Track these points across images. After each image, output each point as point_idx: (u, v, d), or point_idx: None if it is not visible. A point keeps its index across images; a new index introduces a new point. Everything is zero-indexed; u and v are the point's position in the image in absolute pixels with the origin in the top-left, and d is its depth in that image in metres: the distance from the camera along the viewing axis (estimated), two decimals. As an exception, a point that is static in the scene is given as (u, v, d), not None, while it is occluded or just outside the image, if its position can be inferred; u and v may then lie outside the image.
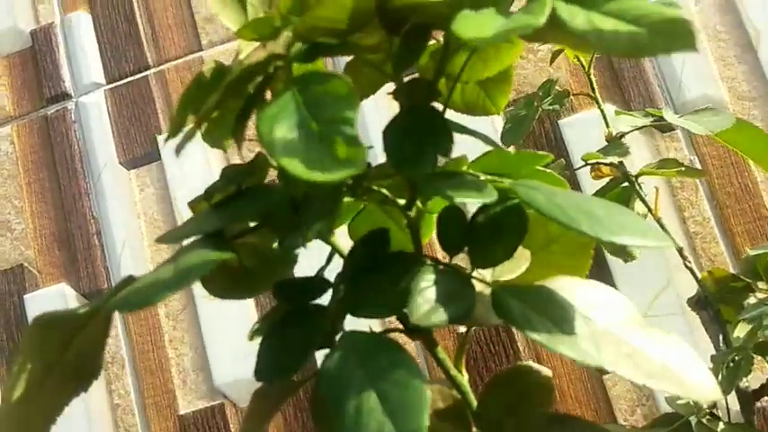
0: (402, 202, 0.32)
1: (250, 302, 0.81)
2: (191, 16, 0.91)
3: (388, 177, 0.32)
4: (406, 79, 0.32)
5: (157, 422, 0.81)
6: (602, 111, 0.58)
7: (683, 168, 0.52)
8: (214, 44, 0.89)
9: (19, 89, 0.94)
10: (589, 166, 0.58)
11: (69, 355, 0.29)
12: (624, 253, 0.57)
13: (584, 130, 0.77)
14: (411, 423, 0.24)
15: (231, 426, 0.80)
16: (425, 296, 0.28)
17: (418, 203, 0.33)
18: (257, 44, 0.35)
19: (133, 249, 0.85)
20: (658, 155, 0.77)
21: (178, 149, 0.31)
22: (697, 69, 0.75)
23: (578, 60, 0.58)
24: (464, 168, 0.34)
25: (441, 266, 0.31)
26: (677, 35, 0.23)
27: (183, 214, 0.85)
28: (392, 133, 0.29)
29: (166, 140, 0.31)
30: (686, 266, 0.51)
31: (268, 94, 0.31)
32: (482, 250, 0.31)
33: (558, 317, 0.28)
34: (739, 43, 0.75)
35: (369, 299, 0.30)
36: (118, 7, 0.93)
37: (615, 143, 0.51)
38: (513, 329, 0.77)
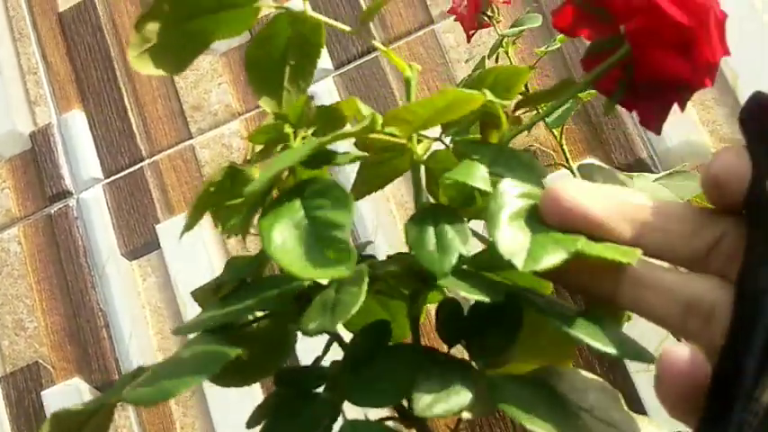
0: (405, 292, 0.33)
1: (256, 386, 0.82)
2: (179, 106, 0.93)
3: (395, 270, 0.33)
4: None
5: None
6: (573, 172, 0.58)
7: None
8: (203, 131, 0.91)
9: (23, 190, 0.97)
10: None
11: None
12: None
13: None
14: None
15: None
16: (427, 388, 0.29)
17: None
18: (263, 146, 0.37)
19: (140, 339, 0.87)
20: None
21: (184, 232, 0.33)
22: (677, 116, 0.75)
23: (551, 132, 0.58)
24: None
25: (440, 358, 0.32)
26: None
27: (185, 300, 0.86)
28: (414, 229, 0.30)
29: (182, 233, 0.33)
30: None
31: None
32: (480, 342, 0.32)
33: (560, 410, 0.28)
34: (717, 86, 0.74)
35: (370, 389, 0.31)
36: (110, 104, 0.96)
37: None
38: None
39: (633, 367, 0.70)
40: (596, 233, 0.26)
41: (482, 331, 0.32)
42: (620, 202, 0.27)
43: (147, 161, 0.93)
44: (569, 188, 0.27)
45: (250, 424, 0.33)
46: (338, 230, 0.26)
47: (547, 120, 0.57)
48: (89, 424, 0.30)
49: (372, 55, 0.87)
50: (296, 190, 0.29)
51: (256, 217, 0.33)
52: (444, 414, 0.29)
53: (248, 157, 0.39)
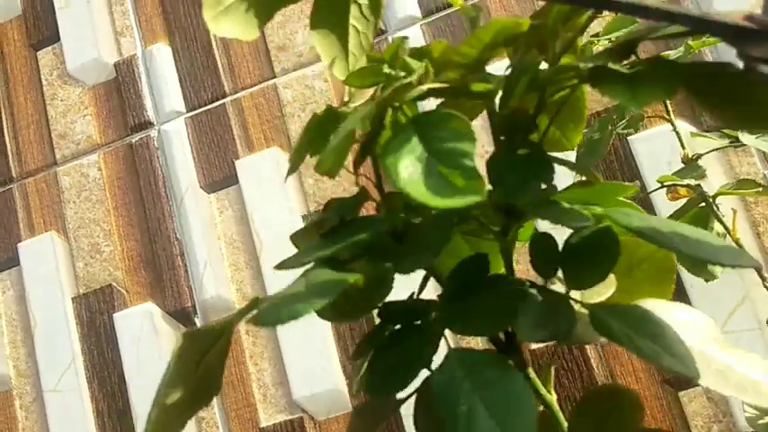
0: (496, 229, 0.34)
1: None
2: (264, 45, 0.95)
3: (482, 207, 0.34)
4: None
5: (240, 435, 0.85)
6: (677, 133, 0.58)
7: (760, 189, 0.52)
8: (287, 71, 0.93)
9: (105, 118, 0.99)
10: (665, 187, 0.59)
11: (200, 372, 0.32)
12: (705, 272, 0.58)
13: (654, 146, 0.78)
14: (520, 429, 0.26)
15: (311, 439, 0.83)
16: (529, 315, 0.31)
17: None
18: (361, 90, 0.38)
19: (214, 269, 0.90)
20: (731, 168, 0.76)
21: (288, 175, 0.34)
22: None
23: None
24: (553, 196, 0.35)
25: (538, 288, 0.33)
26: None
27: (261, 235, 0.89)
28: (496, 165, 0.31)
29: (287, 176, 0.34)
30: (765, 287, 0.51)
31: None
32: (577, 272, 0.33)
33: (657, 334, 0.30)
34: None
35: (471, 319, 0.32)
36: (195, 39, 0.97)
37: (692, 165, 0.51)
38: (587, 346, 0.78)
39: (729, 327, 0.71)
40: None
41: (579, 262, 0.33)
42: None
43: (229, 98, 0.94)
44: None
45: (355, 356, 0.35)
46: (464, 158, 0.27)
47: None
48: (216, 346, 0.32)
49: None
50: (411, 125, 0.30)
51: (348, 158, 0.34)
52: (546, 339, 0.30)
53: (345, 99, 0.39)
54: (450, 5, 0.88)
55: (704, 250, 0.29)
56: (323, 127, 0.35)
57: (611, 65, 0.28)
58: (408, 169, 0.27)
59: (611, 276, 0.36)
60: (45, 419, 0.91)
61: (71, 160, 0.99)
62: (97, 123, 1.00)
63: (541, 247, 0.34)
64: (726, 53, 0.77)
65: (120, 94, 0.99)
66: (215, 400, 0.87)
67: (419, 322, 0.34)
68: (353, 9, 0.37)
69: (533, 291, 0.33)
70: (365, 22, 0.38)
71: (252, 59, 0.95)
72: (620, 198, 0.37)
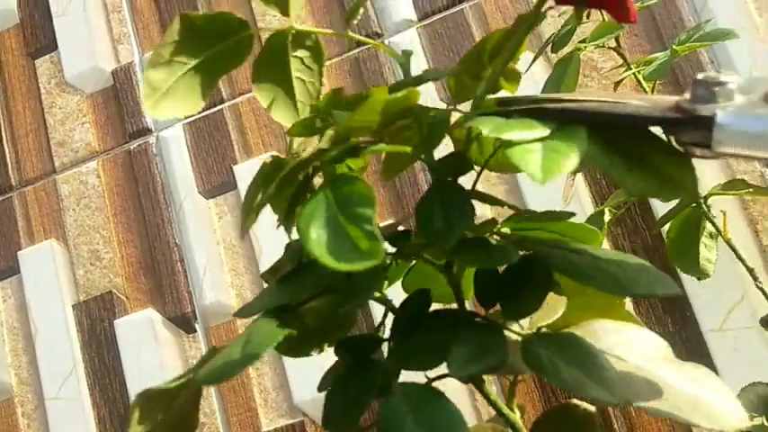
0: (442, 262, 0.35)
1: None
2: (261, 51, 0.95)
3: (420, 246, 0.35)
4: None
5: (242, 440, 0.85)
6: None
7: (751, 189, 0.52)
8: (284, 76, 0.93)
9: (103, 125, 1.00)
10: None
11: (170, 415, 0.33)
12: (697, 271, 0.58)
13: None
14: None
15: (312, 443, 0.83)
16: (461, 350, 0.32)
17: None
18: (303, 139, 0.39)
19: (214, 274, 0.90)
20: (727, 167, 0.77)
21: (242, 233, 0.35)
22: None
23: (642, 87, 0.59)
24: (495, 228, 0.36)
25: (478, 320, 0.34)
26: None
27: (260, 239, 0.89)
28: (422, 209, 0.32)
29: (244, 226, 0.34)
30: (757, 287, 0.51)
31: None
32: (512, 303, 0.35)
33: (586, 362, 0.30)
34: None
35: (414, 354, 0.33)
36: (192, 45, 0.98)
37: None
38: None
39: (706, 326, 0.72)
40: None
41: (513, 293, 0.34)
42: None
43: (227, 103, 0.95)
44: None
45: (320, 388, 0.36)
46: (366, 223, 0.28)
47: (645, 73, 0.58)
48: (177, 401, 0.33)
49: (458, 8, 0.87)
50: (326, 188, 0.31)
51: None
52: (477, 373, 0.32)
53: (292, 150, 0.40)
54: (446, 8, 0.89)
55: (619, 282, 0.31)
56: (269, 176, 0.36)
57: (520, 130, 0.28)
58: (317, 232, 0.28)
59: (562, 298, 0.36)
60: (47, 427, 0.91)
61: (70, 168, 1.00)
62: (96, 131, 1.00)
63: (482, 280, 0.35)
64: (721, 53, 0.77)
65: (119, 102, 0.99)
66: (216, 406, 0.87)
67: (372, 357, 0.35)
68: (295, 62, 0.38)
69: (472, 324, 0.34)
70: (309, 72, 0.39)
71: (249, 66, 0.95)
72: (571, 222, 0.37)
